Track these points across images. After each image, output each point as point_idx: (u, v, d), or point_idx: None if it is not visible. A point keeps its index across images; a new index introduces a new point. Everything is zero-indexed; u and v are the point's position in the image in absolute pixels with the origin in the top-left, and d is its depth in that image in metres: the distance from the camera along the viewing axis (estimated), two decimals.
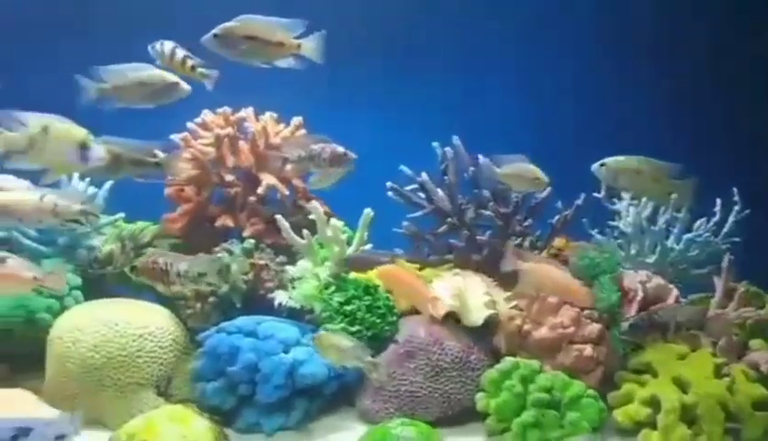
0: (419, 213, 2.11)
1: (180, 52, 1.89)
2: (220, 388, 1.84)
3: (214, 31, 1.79)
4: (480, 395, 1.83)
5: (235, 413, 1.84)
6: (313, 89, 2.38)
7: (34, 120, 1.74)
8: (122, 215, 2.22)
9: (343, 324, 1.93)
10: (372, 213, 2.02)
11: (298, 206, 2.27)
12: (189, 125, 2.23)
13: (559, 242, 2.25)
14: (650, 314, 1.86)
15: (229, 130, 2.18)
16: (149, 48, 1.92)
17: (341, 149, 1.91)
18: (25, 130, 1.73)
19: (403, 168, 2.13)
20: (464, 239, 2.07)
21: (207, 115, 2.24)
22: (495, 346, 1.97)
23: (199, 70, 1.90)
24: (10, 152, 1.73)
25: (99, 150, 1.78)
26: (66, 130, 1.76)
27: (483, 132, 2.16)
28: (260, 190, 2.16)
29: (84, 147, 1.75)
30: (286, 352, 1.85)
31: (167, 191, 2.24)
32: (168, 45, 1.89)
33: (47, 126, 1.73)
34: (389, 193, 2.15)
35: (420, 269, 2.14)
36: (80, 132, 1.78)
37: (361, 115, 2.74)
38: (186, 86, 1.89)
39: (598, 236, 2.24)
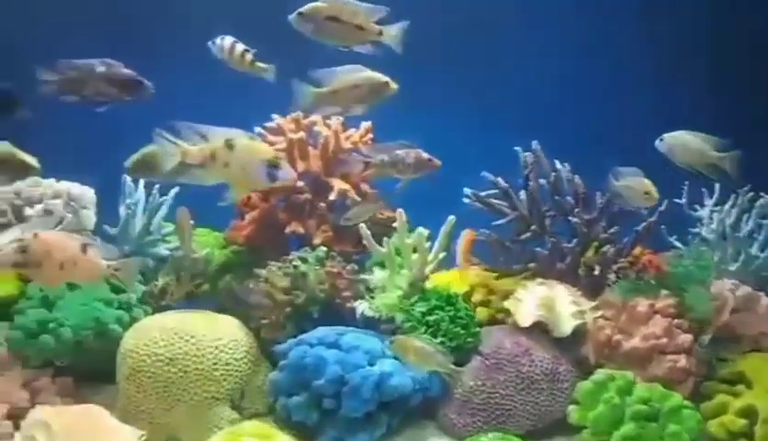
0: (502, 220, 2.05)
1: (239, 47, 1.88)
2: (303, 402, 1.76)
3: (300, 10, 1.73)
4: (572, 407, 1.78)
5: (317, 429, 1.77)
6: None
7: (217, 134, 1.62)
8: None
9: (425, 335, 1.86)
10: (455, 220, 1.96)
11: None
12: (258, 129, 2.16)
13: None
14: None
15: (301, 134, 2.11)
16: (209, 43, 1.90)
17: (426, 155, 1.86)
18: (206, 144, 1.62)
19: (485, 174, 2.07)
20: (549, 247, 2.01)
21: (278, 118, 2.17)
22: (581, 357, 1.92)
23: (258, 64, 1.87)
24: (189, 166, 1.62)
25: (289, 170, 1.67)
26: (253, 146, 1.65)
27: (560, 138, 2.11)
28: (332, 196, 2.08)
29: (272, 166, 1.63)
30: (371, 364, 1.79)
31: None
32: (228, 40, 1.88)
33: (232, 141, 1.62)
34: (466, 199, 2.08)
35: (497, 278, 2.08)
36: (268, 150, 1.69)
37: (426, 118, 2.68)
38: (394, 85, 1.81)
39: (677, 243, 2.21)
